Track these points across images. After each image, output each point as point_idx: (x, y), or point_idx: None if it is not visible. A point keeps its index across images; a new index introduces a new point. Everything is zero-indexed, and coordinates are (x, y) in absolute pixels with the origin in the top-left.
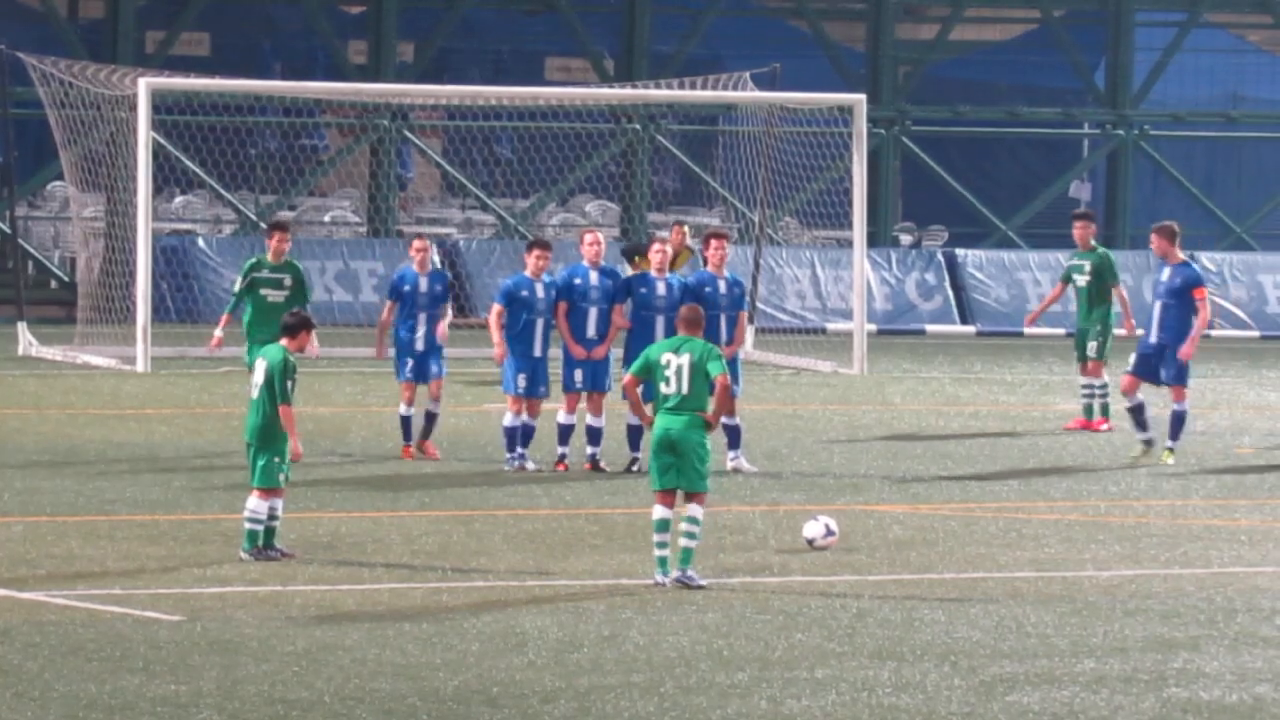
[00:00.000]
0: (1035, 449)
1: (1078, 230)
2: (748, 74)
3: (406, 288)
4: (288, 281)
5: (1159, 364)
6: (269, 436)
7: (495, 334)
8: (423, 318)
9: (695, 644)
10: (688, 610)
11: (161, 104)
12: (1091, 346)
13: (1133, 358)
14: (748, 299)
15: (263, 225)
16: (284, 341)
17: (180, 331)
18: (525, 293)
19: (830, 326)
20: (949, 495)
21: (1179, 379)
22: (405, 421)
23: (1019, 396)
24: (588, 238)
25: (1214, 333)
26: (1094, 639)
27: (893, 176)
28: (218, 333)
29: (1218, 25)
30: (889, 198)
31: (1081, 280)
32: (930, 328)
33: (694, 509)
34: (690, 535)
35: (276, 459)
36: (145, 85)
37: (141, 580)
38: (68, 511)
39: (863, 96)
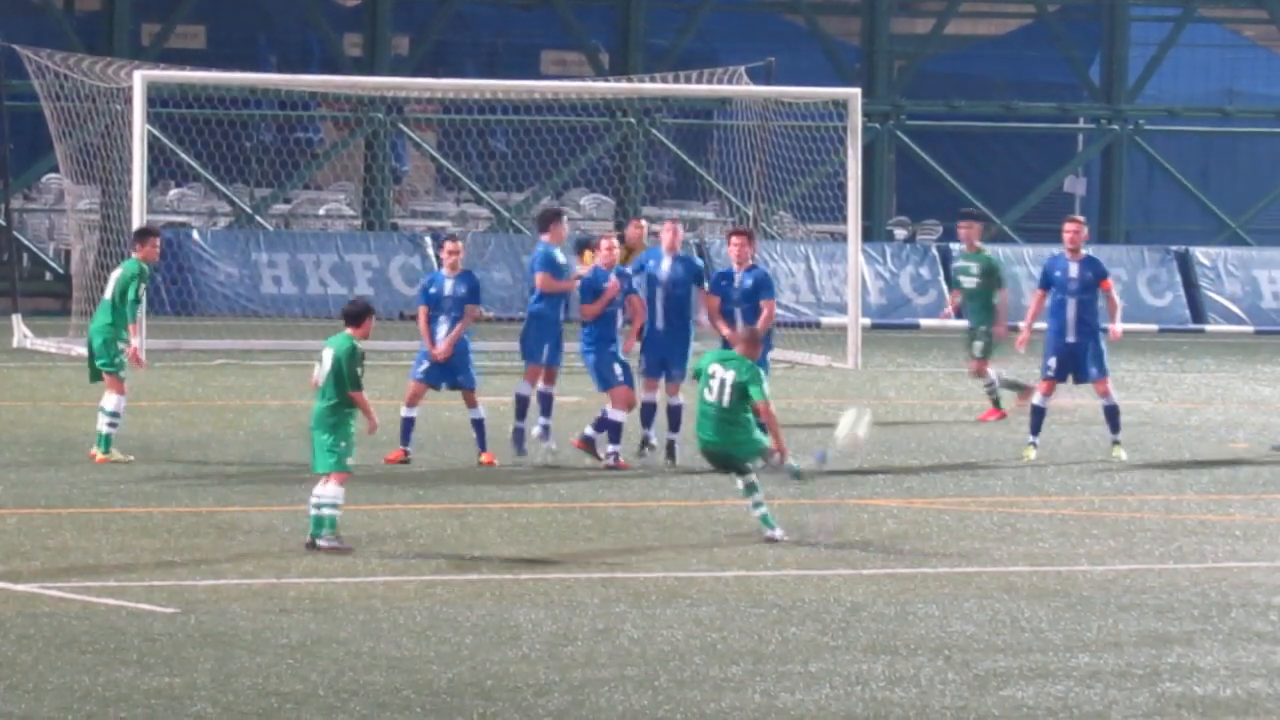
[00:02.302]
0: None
1: (962, 231)
2: (743, 68)
3: (433, 290)
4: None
5: (1081, 362)
6: (339, 423)
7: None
8: (444, 320)
9: (689, 637)
10: (681, 604)
11: (157, 97)
12: (977, 346)
13: (1052, 361)
14: (774, 290)
15: (257, 218)
16: (349, 330)
17: (175, 324)
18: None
19: (824, 321)
20: (943, 489)
21: (1103, 372)
22: (406, 423)
23: (1010, 394)
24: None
25: (1209, 328)
26: (1088, 634)
27: (887, 171)
28: (135, 342)
29: (1212, 20)
30: (883, 192)
31: (969, 282)
32: (924, 322)
33: None
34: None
35: (343, 444)
36: (141, 78)
37: (136, 573)
38: (62, 504)
39: (857, 91)
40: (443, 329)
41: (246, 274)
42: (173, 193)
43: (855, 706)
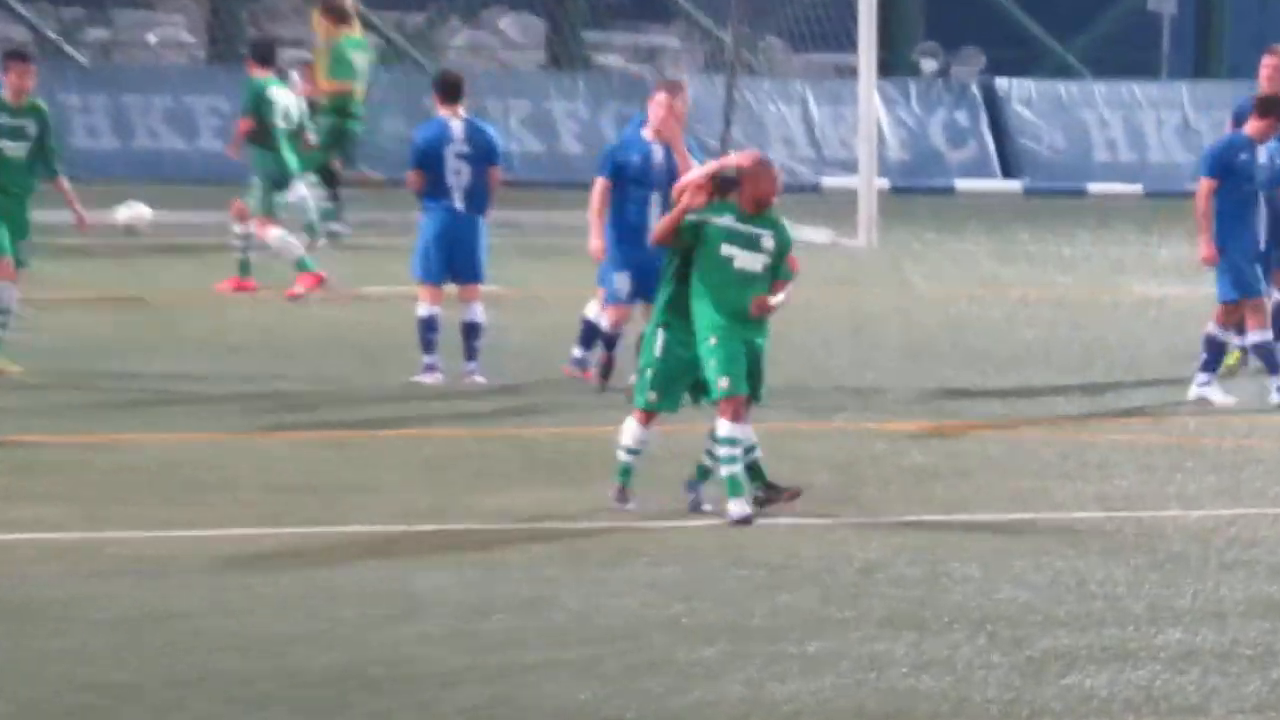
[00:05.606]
0: (1104, 348)
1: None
2: None
3: (635, 158)
4: (31, 129)
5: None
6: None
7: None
8: (656, 197)
9: (646, 609)
10: (637, 564)
11: None
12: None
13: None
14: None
15: (66, 48)
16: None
17: None
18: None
19: (827, 182)
20: (987, 410)
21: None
22: (592, 332)
23: (1081, 277)
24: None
25: None
26: (1181, 602)
27: None
28: None
29: None
30: (907, 11)
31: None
32: (962, 184)
33: None
34: None
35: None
36: None
37: None
38: None
39: None
40: (656, 208)
41: (52, 122)
42: None
43: (868, 699)
